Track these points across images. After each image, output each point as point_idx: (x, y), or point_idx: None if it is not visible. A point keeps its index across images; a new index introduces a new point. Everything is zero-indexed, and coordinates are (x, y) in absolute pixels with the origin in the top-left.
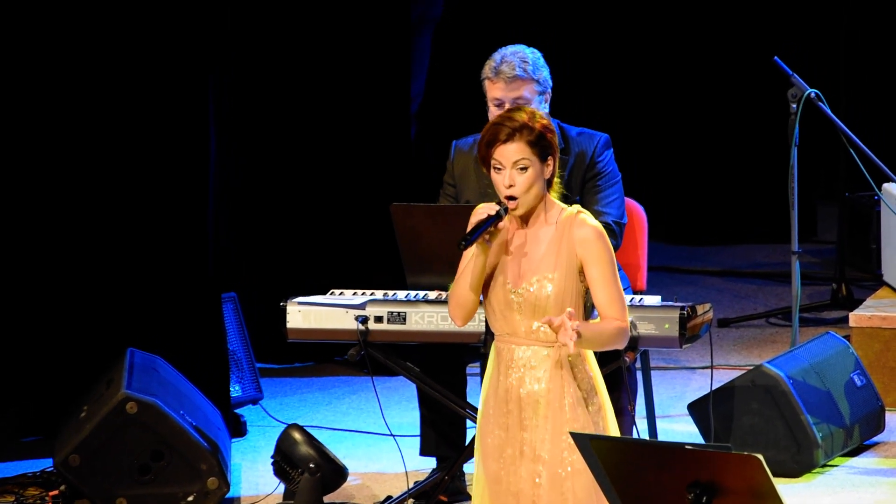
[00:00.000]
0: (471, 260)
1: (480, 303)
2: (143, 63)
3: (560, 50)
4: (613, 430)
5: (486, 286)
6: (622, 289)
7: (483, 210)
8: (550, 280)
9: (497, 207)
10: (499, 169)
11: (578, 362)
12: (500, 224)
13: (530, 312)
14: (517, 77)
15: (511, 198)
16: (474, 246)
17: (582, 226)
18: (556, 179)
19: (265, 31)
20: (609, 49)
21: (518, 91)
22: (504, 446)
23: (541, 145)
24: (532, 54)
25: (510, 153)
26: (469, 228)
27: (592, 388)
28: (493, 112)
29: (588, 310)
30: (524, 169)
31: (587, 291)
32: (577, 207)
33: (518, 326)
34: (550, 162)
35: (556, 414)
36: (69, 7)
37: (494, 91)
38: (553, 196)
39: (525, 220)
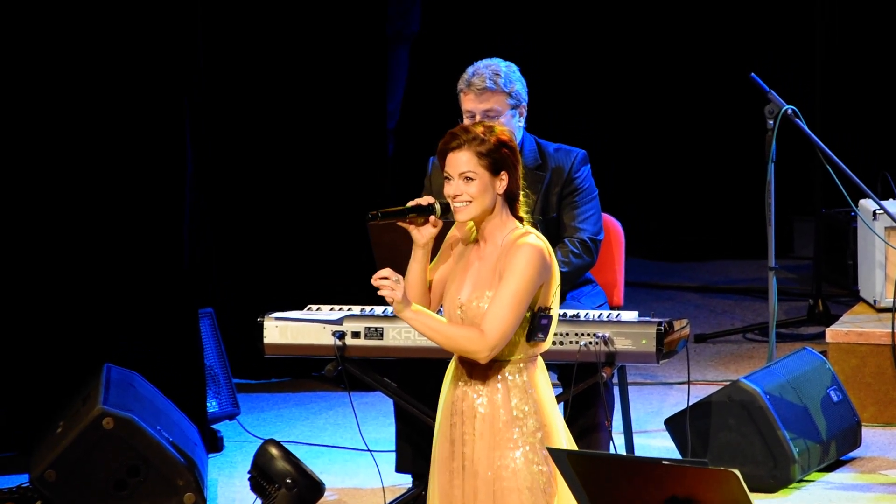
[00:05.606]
0: (410, 260)
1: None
2: (120, 79)
3: (538, 66)
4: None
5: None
6: (517, 317)
7: (422, 200)
8: (488, 298)
9: (434, 201)
10: (448, 179)
11: (520, 383)
12: (433, 221)
13: None
14: (487, 89)
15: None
16: (414, 248)
17: (517, 243)
18: (522, 199)
19: (242, 46)
20: (587, 65)
21: (488, 103)
22: (451, 458)
23: (492, 158)
24: (506, 68)
25: (457, 162)
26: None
27: (534, 409)
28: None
29: (529, 333)
30: (470, 180)
31: (531, 315)
32: (526, 228)
33: None
34: (504, 177)
35: (488, 430)
36: (44, 22)
37: (466, 103)
38: (522, 213)
39: (485, 237)
